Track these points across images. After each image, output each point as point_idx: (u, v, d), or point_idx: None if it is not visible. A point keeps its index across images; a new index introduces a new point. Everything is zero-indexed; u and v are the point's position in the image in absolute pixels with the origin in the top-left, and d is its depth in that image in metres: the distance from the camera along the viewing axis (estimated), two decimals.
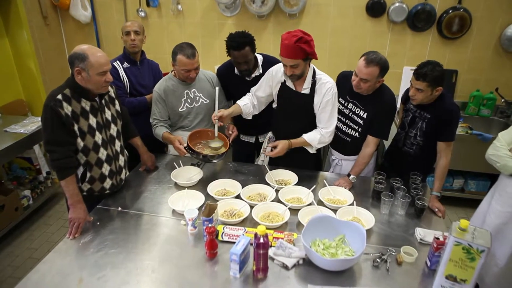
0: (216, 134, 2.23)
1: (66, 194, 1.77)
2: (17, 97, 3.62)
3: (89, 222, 1.80)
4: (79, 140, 1.78)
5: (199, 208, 1.84)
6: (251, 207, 1.87)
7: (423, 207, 1.89)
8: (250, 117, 2.33)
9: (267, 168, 2.23)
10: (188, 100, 2.39)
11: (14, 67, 3.56)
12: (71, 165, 1.78)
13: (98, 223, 1.80)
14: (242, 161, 2.58)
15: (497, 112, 3.45)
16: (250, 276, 1.48)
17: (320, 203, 1.95)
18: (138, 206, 1.96)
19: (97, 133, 1.84)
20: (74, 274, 1.49)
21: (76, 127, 1.75)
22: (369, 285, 1.46)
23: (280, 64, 2.18)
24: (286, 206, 1.86)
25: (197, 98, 2.41)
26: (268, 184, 2.10)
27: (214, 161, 2.21)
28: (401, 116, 2.33)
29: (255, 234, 1.40)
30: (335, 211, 1.87)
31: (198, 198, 1.98)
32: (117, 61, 2.59)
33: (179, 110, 2.39)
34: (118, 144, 2.01)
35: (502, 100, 3.37)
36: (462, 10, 3.19)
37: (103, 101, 1.89)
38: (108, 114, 1.92)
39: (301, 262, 1.55)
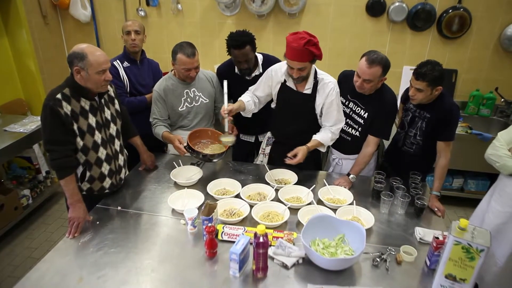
0: (226, 129, 2.18)
1: (65, 193, 1.77)
2: (16, 96, 3.61)
3: (88, 221, 1.80)
4: (78, 139, 1.78)
5: (199, 208, 1.85)
6: (251, 206, 1.87)
7: (422, 207, 1.90)
8: (250, 115, 2.31)
9: (267, 168, 2.23)
10: (188, 99, 2.39)
11: (14, 67, 3.55)
12: (71, 164, 1.78)
13: (97, 222, 1.80)
14: (242, 160, 2.58)
15: (497, 111, 3.45)
16: (250, 276, 1.48)
17: (320, 202, 1.95)
18: (137, 206, 1.96)
19: (96, 132, 1.84)
20: (73, 274, 1.49)
21: (75, 126, 1.75)
22: (368, 284, 1.46)
23: (279, 64, 2.18)
24: (285, 205, 1.86)
25: (197, 97, 2.41)
26: (268, 184, 2.10)
27: (214, 160, 2.21)
28: (401, 116, 2.33)
29: (255, 234, 1.40)
30: (334, 210, 1.87)
31: (197, 197, 1.98)
32: (117, 60, 2.58)
33: (179, 109, 2.38)
34: (117, 144, 2.01)
35: (502, 99, 3.37)
36: (462, 9, 3.20)
37: (102, 100, 1.88)
38: (107, 114, 1.92)
39: (300, 261, 1.55)
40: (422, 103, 2.08)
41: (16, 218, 3.00)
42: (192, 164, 2.33)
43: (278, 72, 2.16)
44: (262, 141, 2.56)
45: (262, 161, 2.47)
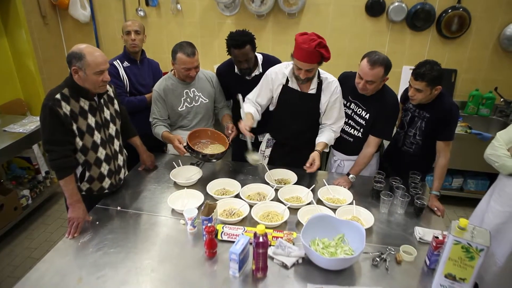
0: (250, 147, 2.13)
1: (65, 193, 1.77)
2: (16, 96, 3.61)
3: (88, 221, 1.80)
4: (77, 139, 1.78)
5: (199, 208, 1.84)
6: (251, 206, 1.87)
7: (422, 206, 1.90)
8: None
9: (267, 168, 2.23)
10: (188, 99, 2.39)
11: (13, 67, 3.55)
12: (70, 164, 1.78)
13: (97, 222, 1.80)
14: (242, 160, 2.57)
15: (496, 111, 3.45)
16: (250, 276, 1.48)
17: (320, 202, 1.95)
18: (137, 206, 1.96)
19: (96, 132, 1.84)
20: (73, 274, 1.49)
21: (74, 127, 1.74)
22: (368, 284, 1.46)
23: (278, 67, 2.17)
24: (285, 205, 1.86)
25: (197, 97, 2.41)
26: (268, 184, 2.10)
27: (214, 160, 2.21)
28: (400, 116, 2.33)
29: (255, 233, 1.40)
30: (334, 210, 1.87)
31: (197, 197, 1.98)
32: (117, 60, 2.59)
33: (179, 109, 2.38)
34: (117, 144, 2.00)
35: (501, 99, 3.37)
36: (461, 9, 3.20)
37: (102, 100, 1.88)
38: (107, 114, 1.92)
39: (300, 261, 1.55)
40: (421, 103, 2.08)
41: (15, 218, 3.00)
42: (192, 164, 2.33)
43: (278, 75, 2.15)
44: (261, 141, 2.56)
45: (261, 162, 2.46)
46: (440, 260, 1.40)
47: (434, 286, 1.43)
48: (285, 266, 1.52)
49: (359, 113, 2.20)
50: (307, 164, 2.06)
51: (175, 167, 2.24)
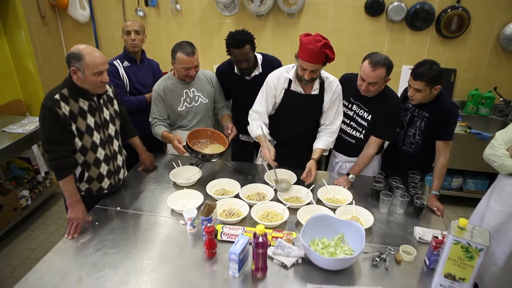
0: (276, 177, 2.07)
1: (64, 194, 1.77)
2: (15, 97, 3.61)
3: (87, 222, 1.80)
4: (77, 140, 1.77)
5: (198, 208, 1.84)
6: (250, 206, 1.87)
7: (422, 206, 1.90)
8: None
9: (266, 168, 2.23)
10: (187, 99, 2.39)
11: (13, 67, 3.54)
12: (69, 165, 1.78)
13: (96, 223, 1.80)
14: (241, 160, 2.58)
15: (496, 111, 3.45)
16: (249, 276, 1.48)
17: (319, 202, 1.95)
18: (137, 206, 1.95)
19: (95, 132, 1.84)
20: (73, 274, 1.49)
21: (74, 127, 1.74)
22: (368, 284, 1.46)
23: (278, 71, 2.17)
24: (285, 205, 1.86)
25: (196, 97, 2.41)
26: (267, 184, 2.10)
27: (213, 160, 2.21)
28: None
29: (254, 234, 1.40)
30: (334, 210, 1.87)
31: (197, 197, 1.98)
32: (117, 60, 2.59)
33: (178, 109, 2.38)
34: (116, 144, 2.00)
35: (501, 99, 3.37)
36: (460, 9, 3.20)
37: (101, 100, 1.88)
38: (106, 114, 1.92)
39: (300, 261, 1.55)
40: (421, 103, 2.08)
41: (15, 218, 3.00)
42: (191, 164, 2.33)
43: (280, 79, 2.14)
44: None
45: (262, 163, 2.46)
46: (439, 260, 1.40)
47: (433, 286, 1.43)
48: (284, 266, 1.52)
49: (361, 114, 2.19)
50: (304, 175, 2.07)
51: (175, 167, 2.24)
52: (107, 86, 1.89)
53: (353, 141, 2.28)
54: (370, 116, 2.16)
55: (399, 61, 3.48)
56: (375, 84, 2.00)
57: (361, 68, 2.00)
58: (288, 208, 1.85)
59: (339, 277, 1.48)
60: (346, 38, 3.51)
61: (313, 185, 2.05)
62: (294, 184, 2.11)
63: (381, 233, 1.78)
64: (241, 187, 2.04)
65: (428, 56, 3.36)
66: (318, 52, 1.87)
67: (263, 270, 1.47)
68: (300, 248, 1.57)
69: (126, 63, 2.60)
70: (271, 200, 1.95)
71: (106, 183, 1.95)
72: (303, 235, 1.52)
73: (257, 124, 2.16)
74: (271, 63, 2.39)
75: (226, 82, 2.50)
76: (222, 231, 1.69)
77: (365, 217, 1.84)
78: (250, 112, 2.25)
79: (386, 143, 2.48)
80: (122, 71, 2.57)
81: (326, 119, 2.20)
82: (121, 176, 2.07)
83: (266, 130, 2.18)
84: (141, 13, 3.71)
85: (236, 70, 2.40)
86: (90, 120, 1.81)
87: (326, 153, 2.28)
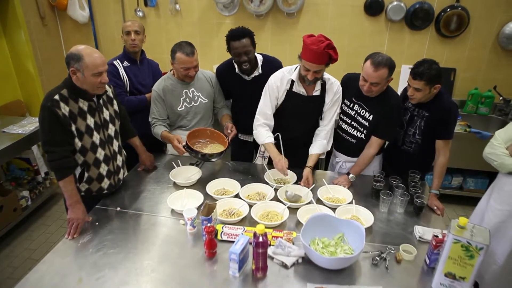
0: (291, 192, 1.97)
1: (64, 194, 1.77)
2: (15, 97, 3.61)
3: (87, 222, 1.80)
4: (76, 140, 1.77)
5: (198, 208, 1.84)
6: (250, 206, 1.87)
7: (422, 205, 1.90)
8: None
9: (266, 168, 2.23)
10: (187, 99, 2.39)
11: (12, 68, 3.54)
12: (69, 165, 1.78)
13: (96, 223, 1.80)
14: (241, 160, 2.58)
15: (495, 110, 3.46)
16: (250, 275, 1.48)
17: (319, 201, 1.95)
18: (137, 206, 1.95)
19: (95, 133, 1.84)
20: (73, 275, 1.48)
21: (73, 127, 1.74)
22: (368, 283, 1.46)
23: (279, 73, 2.16)
24: (285, 205, 1.86)
25: (196, 97, 2.41)
26: (267, 183, 2.10)
27: (213, 160, 2.21)
28: None
29: (254, 233, 1.40)
30: (334, 209, 1.87)
31: (197, 197, 1.98)
32: (117, 60, 2.59)
33: (178, 109, 2.38)
34: (116, 144, 2.00)
35: (500, 98, 3.37)
36: (460, 8, 3.20)
37: (101, 101, 1.88)
38: (106, 114, 1.92)
39: (300, 261, 1.55)
40: (420, 102, 2.08)
41: (15, 219, 3.00)
42: (191, 164, 2.33)
43: (283, 80, 2.14)
44: None
45: (261, 163, 2.46)
46: (440, 259, 1.40)
47: (434, 285, 1.43)
48: (285, 266, 1.52)
49: (362, 114, 2.19)
50: (301, 183, 2.08)
51: (175, 167, 2.24)
52: (106, 86, 1.89)
53: (354, 141, 2.27)
54: (371, 116, 2.15)
55: (399, 61, 3.46)
56: (377, 84, 1.99)
57: (363, 69, 2.00)
58: (288, 207, 1.85)
59: (339, 277, 1.48)
60: (345, 38, 3.51)
61: (313, 185, 2.05)
62: (294, 183, 2.11)
63: (381, 232, 1.78)
64: (241, 186, 2.04)
65: (428, 56, 3.36)
66: (321, 53, 1.88)
67: (263, 269, 1.47)
68: (300, 248, 1.57)
69: (126, 63, 2.60)
70: (271, 200, 1.95)
71: (106, 183, 1.95)
72: (303, 234, 1.52)
73: (267, 133, 2.19)
74: (271, 64, 2.39)
75: (226, 82, 2.50)
76: (222, 231, 1.69)
77: (365, 217, 1.84)
78: (257, 116, 2.23)
79: (386, 143, 2.49)
80: (122, 71, 2.57)
81: (323, 119, 2.21)
82: (121, 176, 2.07)
83: (271, 139, 2.19)
84: (140, 14, 3.71)
85: (236, 70, 2.39)
86: (90, 121, 1.81)
87: (323, 156, 2.28)
